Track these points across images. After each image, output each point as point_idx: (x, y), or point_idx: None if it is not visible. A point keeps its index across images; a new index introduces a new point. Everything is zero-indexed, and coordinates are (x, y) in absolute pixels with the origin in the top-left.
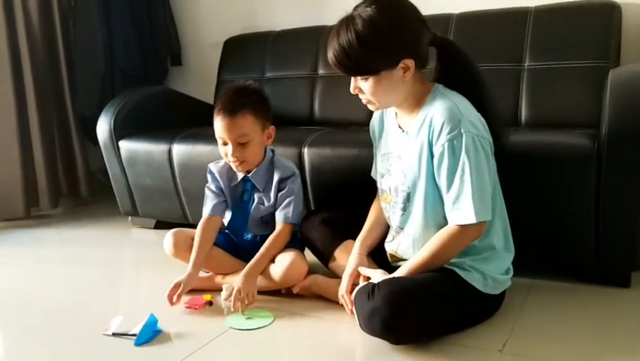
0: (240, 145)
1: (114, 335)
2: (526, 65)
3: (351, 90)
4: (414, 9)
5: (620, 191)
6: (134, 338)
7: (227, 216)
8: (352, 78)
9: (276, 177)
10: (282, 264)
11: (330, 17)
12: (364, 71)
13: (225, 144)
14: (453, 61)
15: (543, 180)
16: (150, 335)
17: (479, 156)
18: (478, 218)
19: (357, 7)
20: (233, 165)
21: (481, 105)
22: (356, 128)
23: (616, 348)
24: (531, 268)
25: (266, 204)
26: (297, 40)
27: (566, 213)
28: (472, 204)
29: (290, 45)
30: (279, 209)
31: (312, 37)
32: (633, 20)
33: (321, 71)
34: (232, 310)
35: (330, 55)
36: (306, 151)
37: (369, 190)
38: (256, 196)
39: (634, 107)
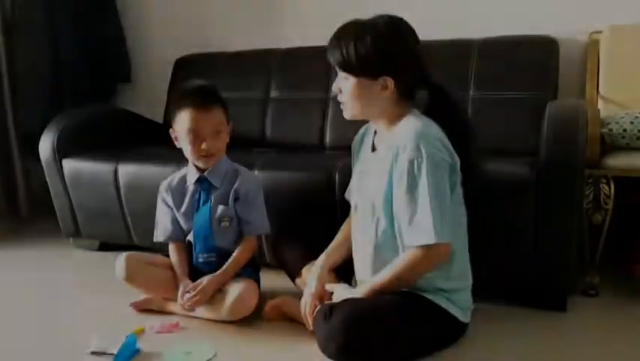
0: (214, 137)
1: (93, 353)
2: (470, 94)
3: (333, 87)
4: (415, 46)
5: (555, 219)
6: (112, 356)
7: (189, 236)
8: (337, 77)
9: (236, 181)
10: (232, 295)
11: (283, 41)
12: (346, 68)
13: (197, 137)
14: (441, 107)
15: (484, 206)
16: (128, 354)
17: (440, 178)
18: (438, 238)
19: (375, 16)
20: (200, 162)
21: (461, 151)
22: (306, 150)
23: None
24: (474, 293)
25: (227, 204)
26: (249, 62)
27: (506, 239)
28: (431, 224)
29: (242, 66)
30: (245, 222)
31: (264, 60)
32: (570, 55)
33: (273, 94)
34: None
35: (330, 43)
36: (256, 173)
37: (318, 214)
38: (213, 196)
39: (568, 139)
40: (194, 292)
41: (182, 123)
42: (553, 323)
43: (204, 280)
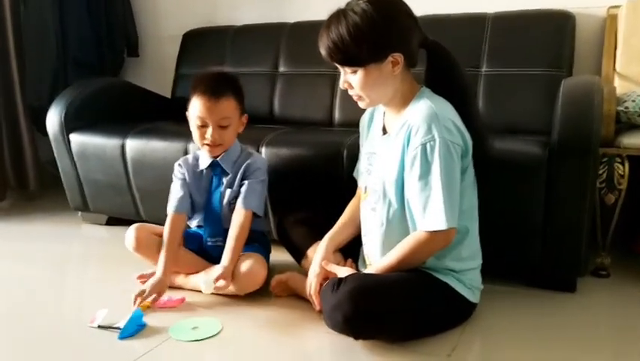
0: (221, 128)
1: (100, 327)
2: (483, 70)
3: (340, 85)
4: (406, 7)
5: (567, 199)
6: (119, 331)
7: (198, 218)
8: (342, 73)
9: (246, 162)
10: (240, 270)
11: (291, 14)
12: (352, 62)
13: (204, 125)
14: (441, 64)
15: (494, 186)
16: (135, 328)
17: (452, 163)
18: (448, 224)
19: (350, 1)
20: (205, 149)
21: (465, 112)
22: (314, 128)
23: (562, 354)
24: (483, 273)
25: (233, 187)
26: (257, 36)
27: (516, 218)
28: (443, 210)
29: (250, 41)
30: (241, 195)
31: (273, 34)
32: (586, 31)
33: (281, 69)
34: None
35: (322, 45)
36: (263, 150)
37: (325, 192)
38: (224, 180)
39: (583, 118)
40: (218, 285)
41: (192, 109)
42: (562, 303)
43: (220, 274)
